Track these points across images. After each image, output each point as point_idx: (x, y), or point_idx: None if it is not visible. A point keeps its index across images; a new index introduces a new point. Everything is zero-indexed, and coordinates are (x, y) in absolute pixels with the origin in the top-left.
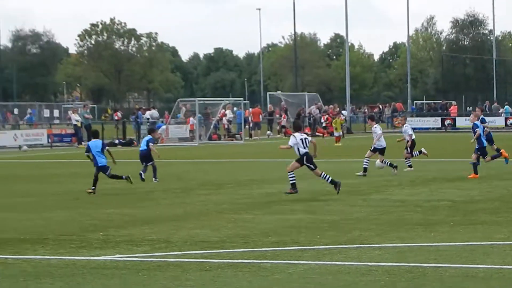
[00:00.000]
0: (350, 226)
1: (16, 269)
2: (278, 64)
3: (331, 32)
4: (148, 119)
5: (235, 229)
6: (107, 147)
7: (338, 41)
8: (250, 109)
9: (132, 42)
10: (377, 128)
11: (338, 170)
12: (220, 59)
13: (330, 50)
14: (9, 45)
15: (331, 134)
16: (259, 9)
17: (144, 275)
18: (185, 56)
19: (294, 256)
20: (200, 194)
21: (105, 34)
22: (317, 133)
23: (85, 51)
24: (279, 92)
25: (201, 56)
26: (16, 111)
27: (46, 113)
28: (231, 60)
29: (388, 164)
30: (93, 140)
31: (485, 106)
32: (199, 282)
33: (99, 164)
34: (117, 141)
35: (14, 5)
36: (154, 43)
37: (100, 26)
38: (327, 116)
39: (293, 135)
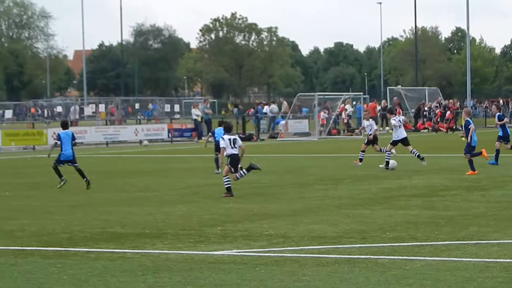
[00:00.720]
0: (468, 221)
1: (135, 264)
2: (399, 58)
3: (452, 26)
4: (265, 113)
5: (352, 224)
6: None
7: (459, 35)
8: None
9: (253, 37)
10: (395, 120)
11: (462, 164)
12: (340, 54)
13: (451, 44)
14: (131, 40)
15: (451, 129)
16: (380, 3)
17: (261, 270)
18: (305, 50)
19: (411, 252)
20: (318, 189)
21: (225, 28)
22: (439, 128)
23: (206, 46)
24: (399, 86)
25: (321, 50)
26: (137, 106)
27: (167, 107)
28: (351, 54)
29: (416, 155)
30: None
31: None
32: (316, 277)
33: None
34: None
35: (136, 1)
36: (274, 38)
37: (222, 20)
38: (448, 111)
39: (222, 137)
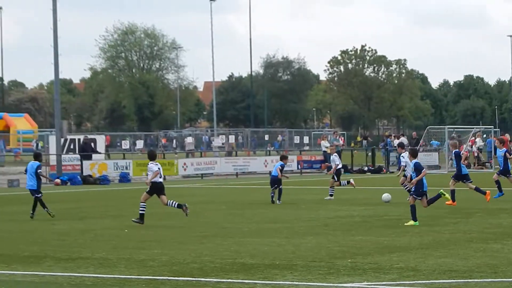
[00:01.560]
0: None
1: None
2: None
3: None
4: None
5: (483, 258)
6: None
7: None
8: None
9: (382, 69)
10: (404, 157)
11: None
12: (471, 86)
13: None
14: (261, 71)
15: None
16: (510, 36)
17: None
18: (434, 83)
19: None
20: (448, 222)
21: (354, 60)
22: None
23: (335, 78)
24: None
25: (451, 83)
26: (266, 137)
27: (296, 139)
28: (481, 87)
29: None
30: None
31: None
32: None
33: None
34: (366, 168)
35: (266, 32)
36: (403, 70)
37: (351, 53)
38: None
39: (152, 163)
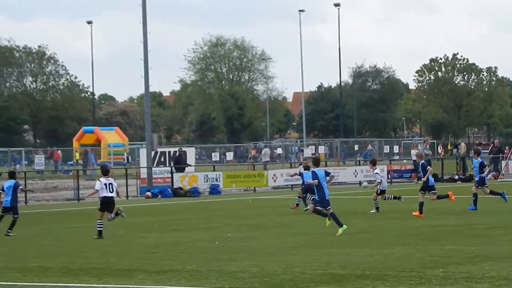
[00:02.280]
0: None
1: None
2: None
3: None
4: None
5: None
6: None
7: None
8: None
9: (472, 77)
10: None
11: None
12: None
13: None
14: (350, 81)
15: None
16: None
17: None
18: None
19: None
20: None
21: (443, 69)
22: None
23: (425, 87)
24: None
25: None
26: (356, 147)
27: (386, 148)
28: None
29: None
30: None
31: None
32: None
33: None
34: (456, 177)
35: (354, 42)
36: (494, 78)
37: (440, 61)
38: None
39: (99, 180)
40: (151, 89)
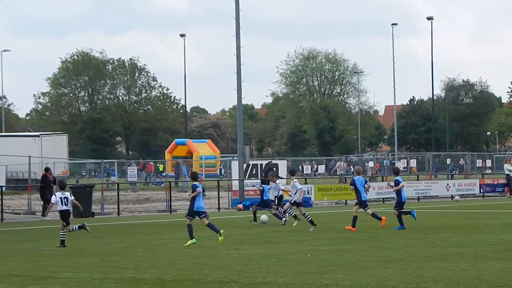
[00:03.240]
0: None
1: None
2: None
3: None
4: None
5: None
6: None
7: None
8: None
9: None
10: (296, 183)
11: None
12: None
13: None
14: (442, 95)
15: None
16: None
17: None
18: None
19: None
20: None
21: None
22: None
23: None
24: None
25: None
26: (448, 161)
27: (478, 163)
28: None
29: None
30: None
31: None
32: None
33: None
34: None
35: (447, 55)
36: None
37: None
38: None
39: (54, 194)
40: (243, 102)
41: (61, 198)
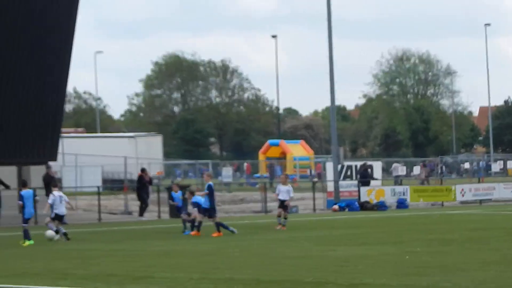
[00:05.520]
0: None
1: None
2: None
3: None
4: None
5: None
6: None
7: None
8: None
9: None
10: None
11: None
12: None
13: None
14: None
15: None
16: None
17: None
18: None
19: None
20: None
21: None
22: None
23: None
24: None
25: None
26: None
27: None
28: None
29: None
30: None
31: None
32: None
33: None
34: None
35: None
36: None
37: None
38: None
39: (52, 194)
40: (336, 103)
41: (60, 196)
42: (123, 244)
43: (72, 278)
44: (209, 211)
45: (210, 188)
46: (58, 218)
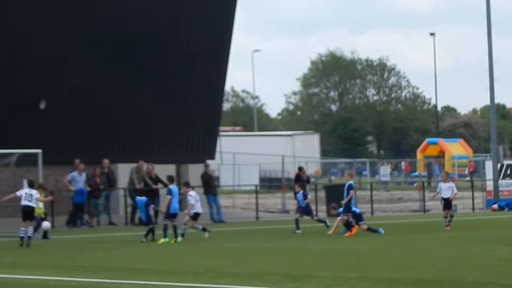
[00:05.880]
0: None
1: None
2: None
3: None
4: None
5: None
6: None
7: None
8: None
9: None
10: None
11: None
12: None
13: None
14: None
15: None
16: None
17: None
18: None
19: None
20: None
21: None
22: None
23: None
24: None
25: None
26: None
27: None
28: None
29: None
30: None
31: None
32: None
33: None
34: None
35: None
36: None
37: None
38: None
39: (189, 194)
40: (495, 101)
41: (26, 193)
42: (281, 243)
43: (230, 277)
44: (345, 210)
45: (350, 188)
46: (196, 217)
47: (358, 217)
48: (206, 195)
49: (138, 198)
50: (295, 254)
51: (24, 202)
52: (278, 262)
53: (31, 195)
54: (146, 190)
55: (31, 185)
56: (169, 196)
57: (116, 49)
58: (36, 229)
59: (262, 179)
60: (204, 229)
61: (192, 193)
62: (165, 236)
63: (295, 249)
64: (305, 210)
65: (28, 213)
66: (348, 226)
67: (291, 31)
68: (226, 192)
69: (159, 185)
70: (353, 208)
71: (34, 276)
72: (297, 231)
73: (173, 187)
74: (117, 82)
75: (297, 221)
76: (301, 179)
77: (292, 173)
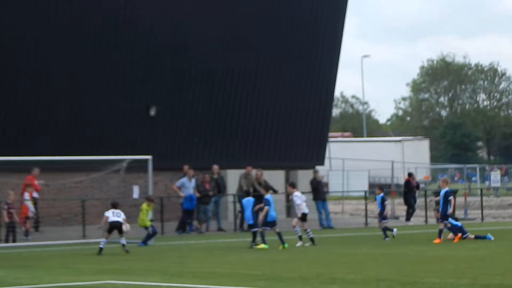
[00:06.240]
0: None
1: None
2: None
3: None
4: None
5: None
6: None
7: None
8: None
9: None
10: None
11: None
12: None
13: None
14: None
15: None
16: None
17: None
18: None
19: None
20: None
21: None
22: None
23: None
24: None
25: None
26: None
27: None
28: None
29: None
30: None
31: None
32: None
33: None
34: None
35: None
36: None
37: None
38: None
39: (295, 194)
40: None
41: (113, 212)
42: (391, 249)
43: (340, 283)
44: (442, 217)
45: (447, 195)
46: (304, 217)
47: (459, 230)
48: (315, 201)
49: (245, 199)
50: (404, 260)
51: (112, 219)
52: (387, 269)
53: (119, 212)
54: (255, 195)
55: (114, 206)
56: (266, 207)
57: (232, 58)
58: (149, 238)
59: (371, 185)
60: (300, 238)
61: (297, 193)
62: (264, 242)
63: (404, 255)
64: (382, 215)
65: (115, 228)
66: (439, 233)
67: (399, 36)
68: (335, 198)
69: (270, 192)
70: (454, 222)
71: (146, 282)
72: (386, 238)
73: (269, 196)
74: (231, 89)
75: (383, 230)
76: (410, 185)
77: (401, 179)
